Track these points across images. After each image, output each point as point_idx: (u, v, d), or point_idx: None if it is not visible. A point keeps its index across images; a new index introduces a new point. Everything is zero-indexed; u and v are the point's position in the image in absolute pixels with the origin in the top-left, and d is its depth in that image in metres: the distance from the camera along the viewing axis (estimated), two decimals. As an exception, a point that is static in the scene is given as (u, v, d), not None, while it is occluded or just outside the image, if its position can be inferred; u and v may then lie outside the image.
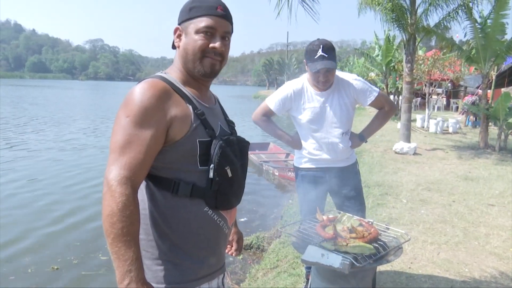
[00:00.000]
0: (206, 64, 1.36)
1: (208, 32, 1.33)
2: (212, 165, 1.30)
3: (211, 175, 1.30)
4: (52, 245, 5.08)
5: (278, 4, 3.05)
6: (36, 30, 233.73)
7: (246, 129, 17.36)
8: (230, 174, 1.34)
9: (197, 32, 1.33)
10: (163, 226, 1.31)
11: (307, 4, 2.97)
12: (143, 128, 1.21)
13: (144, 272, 1.18)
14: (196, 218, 1.33)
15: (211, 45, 1.34)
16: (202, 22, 1.33)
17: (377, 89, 2.82)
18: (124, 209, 1.14)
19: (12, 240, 5.18)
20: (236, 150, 1.41)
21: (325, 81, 2.64)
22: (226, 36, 1.38)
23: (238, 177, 1.41)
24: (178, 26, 1.38)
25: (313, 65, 2.57)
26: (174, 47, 1.44)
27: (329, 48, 2.57)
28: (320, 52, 2.54)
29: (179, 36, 1.38)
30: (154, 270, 1.31)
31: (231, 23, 1.41)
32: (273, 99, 2.84)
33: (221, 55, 1.38)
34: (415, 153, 9.47)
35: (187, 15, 1.36)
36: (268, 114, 2.91)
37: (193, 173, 1.31)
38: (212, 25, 1.33)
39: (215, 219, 1.37)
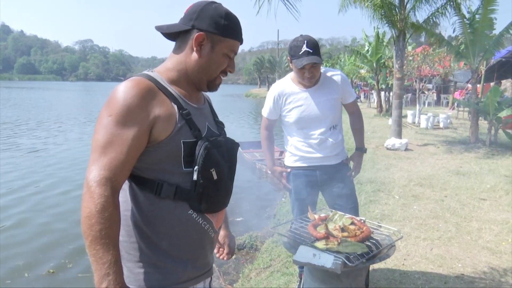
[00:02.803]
0: (217, 83, 1.40)
1: (231, 56, 1.37)
2: (196, 167, 1.26)
3: (195, 177, 1.26)
4: (43, 249, 5.04)
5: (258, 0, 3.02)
6: (24, 31, 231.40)
7: (236, 129, 17.35)
8: (215, 177, 1.30)
9: (225, 54, 1.35)
10: (145, 229, 1.28)
11: (288, 1, 2.94)
12: (125, 128, 1.17)
13: (123, 276, 1.14)
14: (180, 221, 1.29)
15: (229, 68, 1.39)
16: (234, 47, 1.36)
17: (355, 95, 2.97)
18: (103, 211, 1.11)
19: (3, 244, 5.12)
20: (224, 152, 1.37)
21: (311, 77, 2.63)
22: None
23: (225, 180, 1.37)
24: (205, 35, 1.30)
25: (298, 61, 2.56)
26: (170, 38, 1.38)
27: (313, 43, 2.57)
28: (305, 48, 2.54)
29: (201, 44, 1.31)
30: (136, 273, 1.28)
31: None
32: (265, 108, 2.90)
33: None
34: (406, 149, 9.50)
35: (220, 31, 1.31)
36: (269, 126, 2.95)
37: (177, 175, 1.27)
38: (237, 51, 1.39)
39: (200, 222, 1.33)
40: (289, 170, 2.89)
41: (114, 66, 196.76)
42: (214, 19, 1.30)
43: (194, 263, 1.35)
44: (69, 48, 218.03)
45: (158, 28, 1.36)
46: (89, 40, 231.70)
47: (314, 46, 2.56)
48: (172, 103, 1.27)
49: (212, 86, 1.40)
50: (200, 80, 1.36)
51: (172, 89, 1.31)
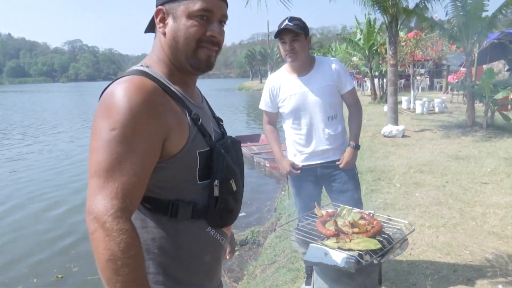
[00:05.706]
0: (202, 56, 1.12)
1: (204, 17, 1.09)
2: (216, 181, 1.10)
3: (216, 192, 1.11)
4: (45, 255, 4.98)
5: None
6: (12, 34, 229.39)
7: (231, 122, 17.28)
8: (234, 188, 1.16)
9: (190, 16, 1.08)
10: (158, 256, 1.11)
11: None
12: (135, 144, 0.95)
13: None
14: (198, 241, 1.14)
15: (208, 33, 1.10)
16: (196, 4, 1.07)
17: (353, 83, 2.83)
18: (128, 249, 0.90)
19: (7, 250, 5.08)
20: (233, 155, 1.22)
21: (290, 50, 2.54)
22: (223, 21, 1.15)
23: (240, 187, 1.22)
24: (161, 7, 1.10)
25: (278, 34, 2.53)
26: (149, 30, 1.19)
27: (295, 19, 2.52)
28: (286, 22, 2.50)
29: (162, 20, 1.10)
30: None
31: (227, 5, 1.17)
32: (262, 101, 2.85)
33: (218, 44, 1.14)
34: (403, 136, 9.44)
35: None
36: (270, 120, 2.90)
37: (192, 191, 1.11)
38: (208, 7, 1.09)
39: (218, 238, 1.19)
40: (300, 166, 2.78)
41: (104, 65, 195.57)
42: None
43: (211, 281, 1.23)
44: (58, 49, 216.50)
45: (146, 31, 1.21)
46: (78, 40, 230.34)
47: (295, 21, 2.51)
48: (181, 107, 1.08)
49: (195, 62, 1.12)
50: (179, 61, 1.13)
51: (175, 88, 1.11)
